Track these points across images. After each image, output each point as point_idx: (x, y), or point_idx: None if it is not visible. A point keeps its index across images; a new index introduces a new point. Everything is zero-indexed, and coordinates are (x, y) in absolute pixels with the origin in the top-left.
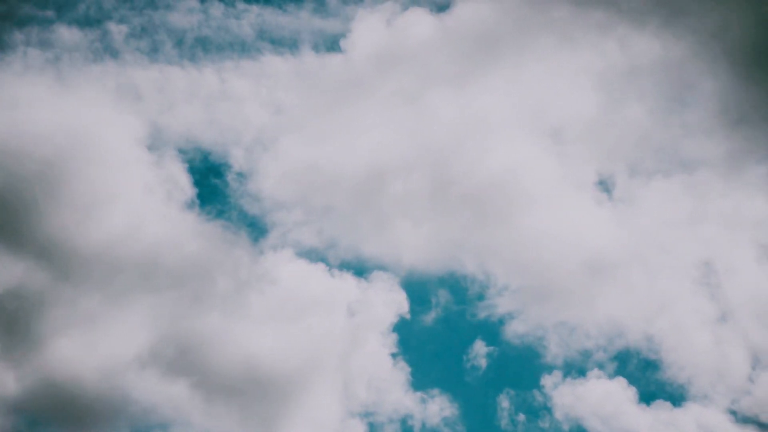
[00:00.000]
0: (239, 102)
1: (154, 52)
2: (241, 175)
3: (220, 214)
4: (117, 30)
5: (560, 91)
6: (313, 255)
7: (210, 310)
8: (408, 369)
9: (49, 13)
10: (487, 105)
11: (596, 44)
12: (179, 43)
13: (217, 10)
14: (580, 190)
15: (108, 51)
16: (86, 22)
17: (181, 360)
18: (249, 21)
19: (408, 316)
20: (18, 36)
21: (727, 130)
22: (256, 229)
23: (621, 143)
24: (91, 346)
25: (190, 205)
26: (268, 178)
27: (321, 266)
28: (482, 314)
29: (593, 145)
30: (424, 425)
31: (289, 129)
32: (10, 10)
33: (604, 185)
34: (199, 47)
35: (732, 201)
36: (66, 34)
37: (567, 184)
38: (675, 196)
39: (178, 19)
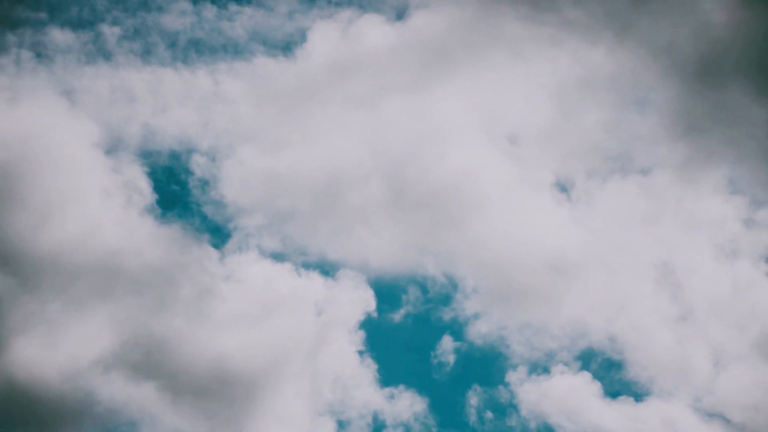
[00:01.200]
0: (209, 104)
1: (147, 54)
2: (202, 180)
3: (181, 218)
4: (110, 32)
5: (515, 100)
6: (277, 256)
7: (174, 313)
8: (375, 366)
9: (42, 15)
10: (443, 112)
11: (549, 56)
12: (172, 45)
13: (209, 12)
14: (538, 193)
15: (101, 53)
16: (79, 24)
17: (146, 362)
18: (242, 23)
19: (375, 315)
20: (11, 38)
21: (679, 138)
22: (218, 232)
23: (577, 148)
24: (53, 349)
25: (150, 210)
26: (229, 183)
27: (287, 266)
28: (447, 314)
29: (549, 149)
30: (393, 421)
31: (248, 135)
32: (1, 12)
33: (562, 187)
34: (192, 49)
35: (687, 203)
36: (59, 36)
37: (525, 186)
38: (631, 197)
39: (171, 21)
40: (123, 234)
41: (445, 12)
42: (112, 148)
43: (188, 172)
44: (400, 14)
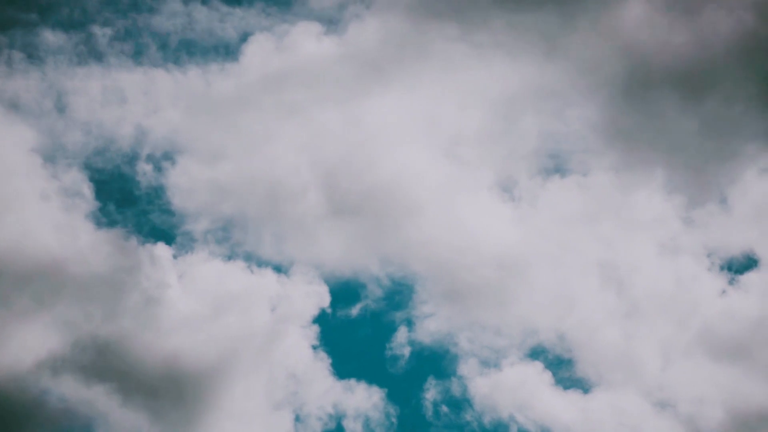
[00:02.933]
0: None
1: (138, 55)
2: (146, 185)
3: (126, 223)
4: (101, 33)
5: (451, 108)
6: (228, 256)
7: (124, 315)
8: (330, 360)
9: (33, 16)
10: (380, 119)
11: (482, 70)
12: (163, 46)
13: (200, 13)
14: (480, 193)
15: (92, 54)
16: (70, 25)
17: (97, 363)
18: (233, 24)
19: (329, 310)
20: (2, 39)
21: (613, 144)
22: (164, 236)
23: (515, 152)
24: None
25: (93, 215)
26: (173, 188)
27: (238, 264)
28: (398, 312)
29: (488, 152)
30: (353, 412)
31: (188, 142)
32: None
33: (504, 188)
34: (183, 50)
35: (627, 203)
36: (50, 37)
37: (466, 187)
38: (572, 198)
39: (162, 22)
40: (66, 239)
41: (380, 25)
42: (52, 154)
43: (132, 177)
44: (336, 26)
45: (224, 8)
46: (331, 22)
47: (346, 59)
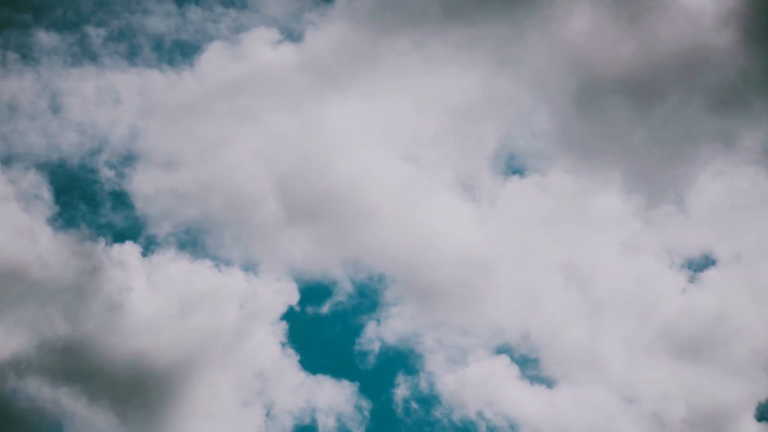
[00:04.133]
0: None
1: (132, 56)
2: (106, 188)
3: (88, 225)
4: (95, 33)
5: (408, 114)
6: (194, 254)
7: (89, 317)
8: (299, 356)
9: (27, 17)
10: (339, 124)
11: (437, 78)
12: (157, 46)
13: (194, 13)
14: (441, 194)
15: (86, 55)
16: (64, 26)
17: (64, 365)
18: (226, 24)
19: (297, 308)
20: None
21: (570, 149)
22: (129, 237)
23: (474, 154)
24: None
25: (53, 219)
26: (135, 192)
27: (206, 263)
28: (364, 312)
29: (447, 154)
30: (325, 407)
31: (148, 146)
32: None
33: (465, 188)
34: (177, 51)
35: (586, 202)
36: (44, 37)
37: (427, 189)
38: (532, 198)
39: (156, 22)
40: (26, 243)
41: (336, 33)
42: (12, 158)
43: (92, 180)
44: (293, 33)
45: (219, 8)
46: (288, 29)
47: (302, 66)
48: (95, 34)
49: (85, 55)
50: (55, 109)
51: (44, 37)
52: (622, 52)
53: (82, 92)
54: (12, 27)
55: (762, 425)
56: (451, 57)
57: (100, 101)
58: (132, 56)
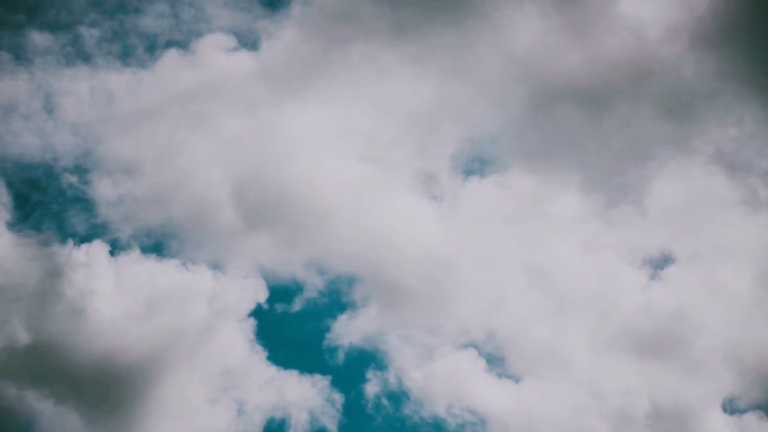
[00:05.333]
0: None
1: (126, 56)
2: (66, 192)
3: (47, 228)
4: (88, 34)
5: (364, 118)
6: (161, 254)
7: (53, 320)
8: (267, 352)
9: (20, 17)
10: (299, 128)
11: (392, 85)
12: (151, 47)
13: (187, 14)
14: (403, 195)
15: (80, 55)
16: (57, 26)
17: (30, 367)
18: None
19: (266, 306)
20: None
21: (529, 152)
22: (93, 239)
23: (434, 154)
24: None
25: (13, 222)
26: (94, 195)
27: (173, 263)
28: (331, 311)
29: (407, 155)
30: (299, 402)
31: (107, 149)
32: None
33: (426, 189)
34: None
35: (546, 203)
36: (37, 38)
37: (389, 189)
38: (493, 199)
39: (149, 23)
40: None
41: (290, 43)
42: None
43: (51, 184)
44: (248, 41)
45: (212, 9)
46: (244, 36)
47: (259, 73)
48: (88, 34)
49: (79, 55)
50: (49, 109)
51: (37, 38)
52: (570, 63)
53: (76, 92)
54: (5, 27)
55: (730, 418)
56: (404, 68)
57: (93, 102)
58: (125, 56)
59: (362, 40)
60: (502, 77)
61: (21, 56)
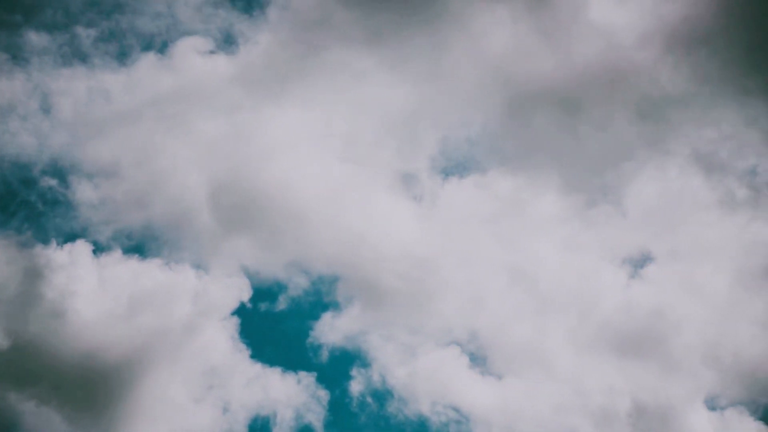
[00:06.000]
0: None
1: (123, 56)
2: (46, 193)
3: (27, 228)
4: (85, 34)
5: (343, 121)
6: (144, 255)
7: (33, 321)
8: (250, 351)
9: (17, 18)
10: (278, 131)
11: (370, 89)
12: (148, 47)
13: (184, 14)
14: (384, 195)
15: (77, 55)
16: (54, 26)
17: (11, 368)
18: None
19: (249, 305)
20: None
21: (507, 155)
22: (76, 239)
23: (413, 155)
24: None
25: None
26: (77, 196)
27: (156, 262)
28: (313, 310)
29: (386, 156)
30: (283, 399)
31: (87, 152)
32: None
33: (407, 188)
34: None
35: (526, 203)
36: (34, 38)
37: (370, 190)
38: (474, 199)
39: (146, 23)
40: None
41: (267, 48)
42: None
43: (29, 185)
44: (226, 45)
45: (208, 9)
46: (222, 39)
47: (237, 76)
48: (85, 34)
49: (75, 55)
50: (46, 109)
51: (34, 38)
52: (546, 67)
53: (73, 92)
54: (2, 28)
55: (712, 414)
56: (380, 73)
57: (90, 101)
58: (122, 56)
59: (339, 46)
60: (478, 82)
61: (18, 56)
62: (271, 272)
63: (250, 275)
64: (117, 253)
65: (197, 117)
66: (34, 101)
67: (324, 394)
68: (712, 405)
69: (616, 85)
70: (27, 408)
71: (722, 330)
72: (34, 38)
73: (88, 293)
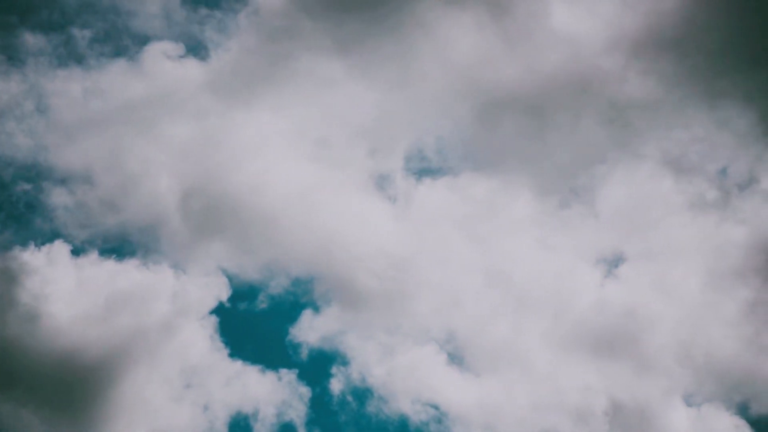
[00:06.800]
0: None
1: (118, 57)
2: (21, 195)
3: (6, 231)
4: (81, 35)
5: (314, 125)
6: (121, 256)
7: (14, 322)
8: (228, 349)
9: (13, 18)
10: (250, 135)
11: (340, 95)
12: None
13: (179, 15)
14: (358, 196)
15: (73, 56)
16: (50, 27)
17: None
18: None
19: (228, 304)
20: None
21: (479, 159)
22: (46, 240)
23: (386, 157)
24: None
25: None
26: (51, 200)
27: (134, 262)
28: (292, 311)
29: (359, 158)
30: (265, 396)
31: (60, 156)
32: None
33: (381, 191)
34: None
35: (500, 204)
36: (30, 38)
37: (342, 190)
38: (447, 200)
39: (141, 24)
40: None
41: (237, 54)
42: None
43: (4, 188)
44: (196, 51)
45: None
46: (192, 45)
47: (207, 82)
48: (81, 35)
49: (71, 56)
50: (42, 110)
51: (30, 39)
52: (512, 74)
53: (69, 93)
54: None
55: (690, 410)
56: (349, 80)
57: (86, 102)
58: (117, 56)
59: (308, 53)
60: (446, 89)
61: (13, 57)
62: (249, 273)
63: (228, 275)
64: (94, 255)
65: (168, 121)
66: (30, 102)
67: (305, 391)
68: (689, 401)
69: (584, 91)
70: (4, 410)
71: (695, 328)
72: (30, 39)
73: (66, 294)
